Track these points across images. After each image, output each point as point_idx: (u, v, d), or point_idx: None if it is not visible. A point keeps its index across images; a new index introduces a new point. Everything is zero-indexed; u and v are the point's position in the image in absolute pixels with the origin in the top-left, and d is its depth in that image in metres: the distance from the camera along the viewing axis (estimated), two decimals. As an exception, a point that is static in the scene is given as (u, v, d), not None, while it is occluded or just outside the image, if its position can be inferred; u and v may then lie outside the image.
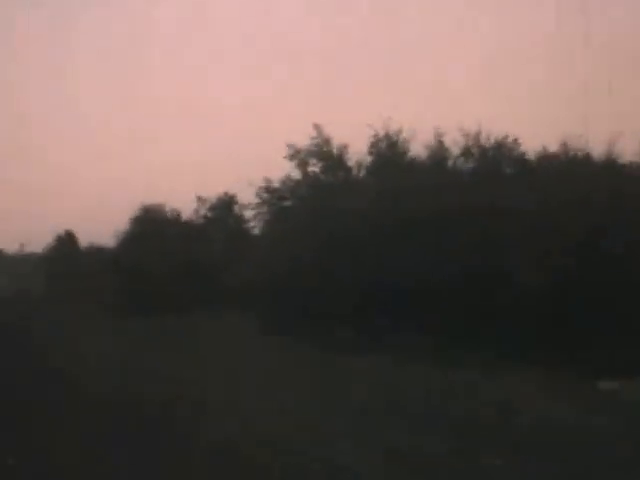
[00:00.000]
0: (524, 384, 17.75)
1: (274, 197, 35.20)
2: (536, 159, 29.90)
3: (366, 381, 18.41)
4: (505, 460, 10.82)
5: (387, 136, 32.89)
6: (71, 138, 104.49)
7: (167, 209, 47.56)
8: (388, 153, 33.13)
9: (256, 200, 35.47)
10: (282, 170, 34.47)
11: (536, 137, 35.20)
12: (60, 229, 66.46)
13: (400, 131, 32.23)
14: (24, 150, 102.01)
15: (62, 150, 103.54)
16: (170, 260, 40.82)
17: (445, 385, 17.66)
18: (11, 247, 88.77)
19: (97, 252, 55.30)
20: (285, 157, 34.03)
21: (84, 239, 64.33)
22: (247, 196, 39.10)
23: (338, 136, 33.94)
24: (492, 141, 29.76)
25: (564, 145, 28.39)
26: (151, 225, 45.09)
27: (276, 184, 34.89)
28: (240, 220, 45.72)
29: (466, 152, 29.62)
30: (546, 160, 29.61)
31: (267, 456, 10.95)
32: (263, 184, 34.74)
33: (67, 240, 65.51)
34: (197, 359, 22.67)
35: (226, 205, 46.45)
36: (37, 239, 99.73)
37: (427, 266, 26.47)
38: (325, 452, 11.22)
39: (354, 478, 10.06)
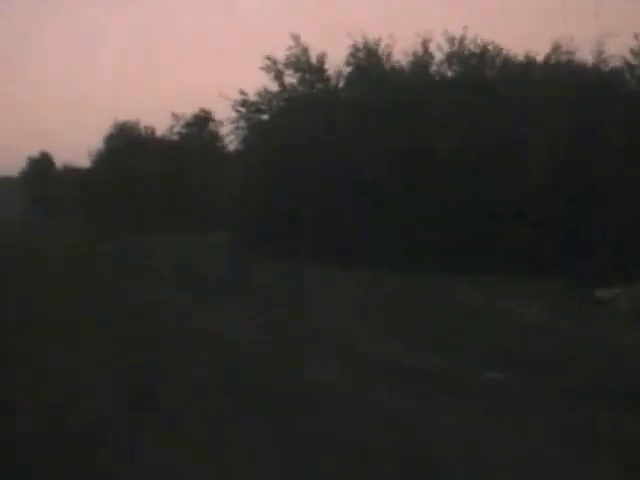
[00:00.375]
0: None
1: (250, 110, 33.82)
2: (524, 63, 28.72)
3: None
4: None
5: (366, 45, 31.54)
6: (48, 56, 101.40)
7: (141, 126, 46.07)
8: (367, 62, 31.80)
9: (232, 114, 34.09)
10: (258, 84, 33.17)
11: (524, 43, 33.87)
12: (35, 151, 64.82)
13: (379, 40, 30.93)
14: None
15: (38, 69, 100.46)
16: (144, 178, 39.55)
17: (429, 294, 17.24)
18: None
19: (72, 173, 53.79)
20: (262, 68, 32.61)
21: (59, 161, 62.67)
22: (223, 113, 37.93)
23: (315, 47, 32.62)
24: (478, 46, 28.40)
25: (555, 48, 27.28)
26: (125, 142, 43.61)
27: (253, 97, 33.54)
28: (216, 137, 44.38)
29: (450, 57, 28.28)
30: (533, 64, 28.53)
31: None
32: (239, 97, 33.35)
33: (42, 162, 63.84)
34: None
35: (201, 122, 44.93)
36: (12, 162, 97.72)
37: (403, 175, 25.66)
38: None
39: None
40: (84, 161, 52.76)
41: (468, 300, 16.54)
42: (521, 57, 28.89)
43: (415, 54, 29.15)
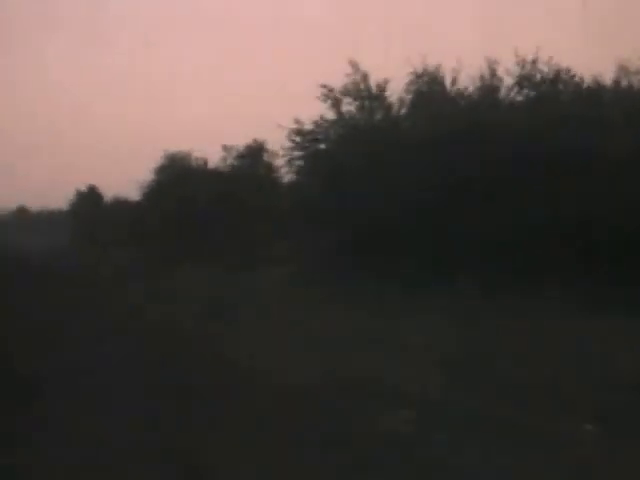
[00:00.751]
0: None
1: (306, 140, 32.54)
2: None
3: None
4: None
5: (426, 71, 30.20)
6: (95, 91, 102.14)
7: (193, 157, 45.12)
8: (429, 89, 30.43)
9: (287, 144, 32.82)
10: (314, 115, 31.95)
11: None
12: (83, 184, 64.66)
13: (440, 66, 29.61)
14: (45, 105, 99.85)
15: (85, 104, 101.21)
16: (196, 209, 38.40)
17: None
18: (34, 204, 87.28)
19: (121, 205, 53.16)
20: (318, 97, 31.41)
21: (108, 193, 62.30)
22: (277, 144, 36.77)
23: (374, 74, 31.39)
24: (551, 69, 26.81)
25: (621, 69, 25.74)
26: (176, 173, 42.66)
27: (309, 126, 32.29)
28: (270, 168, 43.17)
29: (522, 81, 26.69)
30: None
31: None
32: (294, 126, 32.10)
33: (90, 194, 63.63)
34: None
35: (254, 152, 43.78)
36: (61, 195, 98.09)
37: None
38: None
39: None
40: (133, 194, 52.11)
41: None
42: (588, 80, 27.30)
43: (482, 78, 27.64)
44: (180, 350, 14.44)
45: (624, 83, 26.99)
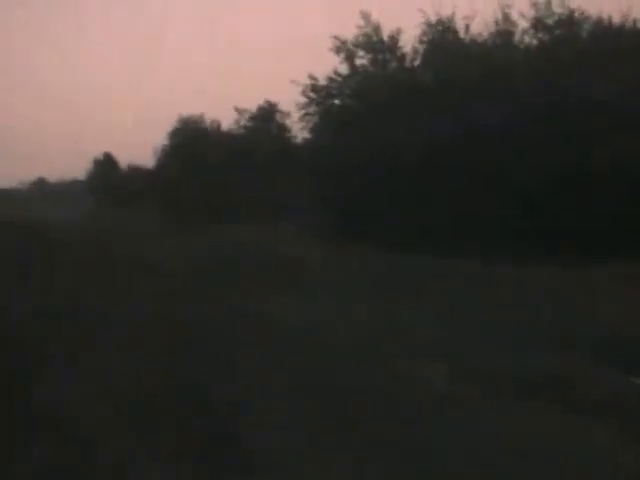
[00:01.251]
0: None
1: (321, 95, 32.25)
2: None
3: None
4: None
5: (440, 21, 29.76)
6: (104, 62, 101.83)
7: (206, 120, 44.94)
8: (442, 38, 30.00)
9: (302, 101, 32.52)
10: (327, 69, 31.59)
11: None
12: (99, 153, 64.52)
13: (452, 15, 29.16)
14: (58, 80, 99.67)
15: (96, 75, 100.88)
16: (210, 170, 38.31)
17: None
18: (53, 175, 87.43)
19: (136, 171, 53.14)
20: (331, 50, 31.05)
21: (125, 161, 62.24)
22: (290, 105, 36.53)
23: (387, 25, 30.96)
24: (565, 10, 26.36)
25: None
26: (190, 136, 42.52)
27: (323, 82, 31.98)
28: (283, 128, 42.95)
29: (536, 24, 26.25)
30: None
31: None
32: (308, 82, 31.80)
33: (106, 163, 63.50)
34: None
35: (267, 114, 43.53)
36: (79, 165, 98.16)
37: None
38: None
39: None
40: (148, 161, 52.03)
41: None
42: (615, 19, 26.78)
43: (497, 22, 27.22)
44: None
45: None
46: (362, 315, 12.41)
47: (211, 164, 38.63)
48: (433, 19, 29.56)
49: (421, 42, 30.67)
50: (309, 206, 31.79)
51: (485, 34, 28.33)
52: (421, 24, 29.93)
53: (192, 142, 41.40)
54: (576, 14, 27.15)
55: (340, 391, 7.49)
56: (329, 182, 29.35)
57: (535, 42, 27.02)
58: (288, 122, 41.97)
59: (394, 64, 30.98)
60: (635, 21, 27.03)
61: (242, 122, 44.59)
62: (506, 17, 27.00)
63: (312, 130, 35.14)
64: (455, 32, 29.45)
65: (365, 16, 30.59)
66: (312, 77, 31.76)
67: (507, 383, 8.06)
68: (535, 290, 15.20)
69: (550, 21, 26.28)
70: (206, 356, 8.95)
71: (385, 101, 28.53)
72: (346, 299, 14.14)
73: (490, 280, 16.46)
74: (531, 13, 26.63)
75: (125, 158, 64.71)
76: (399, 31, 30.22)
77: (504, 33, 27.28)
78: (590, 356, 9.55)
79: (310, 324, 11.23)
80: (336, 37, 30.87)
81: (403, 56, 30.51)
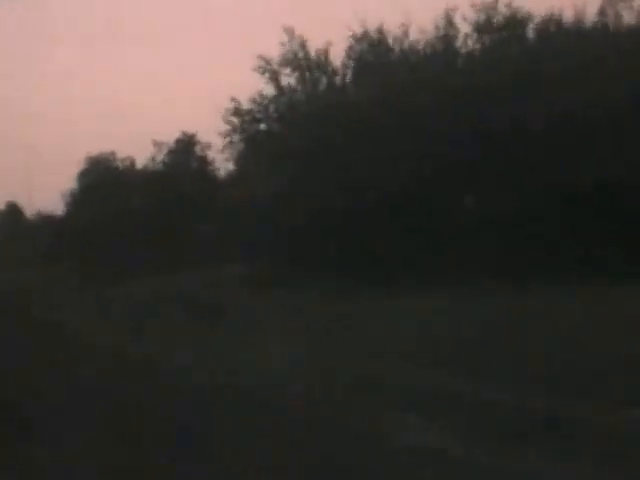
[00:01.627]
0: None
1: (245, 120, 29.10)
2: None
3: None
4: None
5: (367, 34, 27.31)
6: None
7: (118, 158, 41.05)
8: (372, 53, 27.54)
9: (224, 128, 29.23)
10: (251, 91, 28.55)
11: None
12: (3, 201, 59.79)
13: (382, 26, 26.73)
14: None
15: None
16: (126, 215, 34.36)
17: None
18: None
19: (45, 220, 48.73)
20: (254, 70, 28.09)
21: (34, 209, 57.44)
22: (209, 135, 33.35)
23: (313, 40, 28.20)
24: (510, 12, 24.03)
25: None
26: (100, 177, 38.56)
27: (246, 105, 28.89)
28: (205, 161, 39.53)
29: (481, 26, 23.79)
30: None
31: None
32: (230, 106, 28.66)
33: (10, 213, 58.84)
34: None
35: (186, 146, 39.86)
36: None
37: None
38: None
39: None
40: (59, 206, 47.64)
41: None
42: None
43: (437, 28, 24.59)
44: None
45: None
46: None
47: (126, 207, 34.65)
48: (359, 32, 27.16)
49: (349, 58, 28.23)
50: (232, 252, 28.61)
51: (422, 42, 25.90)
52: (348, 37, 27.51)
53: (102, 184, 37.40)
54: (519, 15, 24.98)
55: None
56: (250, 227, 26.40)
57: (478, 46, 24.59)
58: (210, 154, 38.65)
59: (324, 81, 28.23)
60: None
61: (160, 157, 40.85)
62: (449, 21, 24.44)
63: (237, 161, 32.08)
64: (386, 44, 27.05)
65: (289, 31, 27.83)
66: (234, 99, 28.70)
67: None
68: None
69: (495, 21, 23.87)
70: None
71: (314, 123, 25.72)
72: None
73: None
74: (474, 17, 24.24)
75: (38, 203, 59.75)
76: (328, 44, 27.53)
77: (445, 38, 24.74)
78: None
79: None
80: (260, 56, 28.02)
81: (334, 72, 27.78)
